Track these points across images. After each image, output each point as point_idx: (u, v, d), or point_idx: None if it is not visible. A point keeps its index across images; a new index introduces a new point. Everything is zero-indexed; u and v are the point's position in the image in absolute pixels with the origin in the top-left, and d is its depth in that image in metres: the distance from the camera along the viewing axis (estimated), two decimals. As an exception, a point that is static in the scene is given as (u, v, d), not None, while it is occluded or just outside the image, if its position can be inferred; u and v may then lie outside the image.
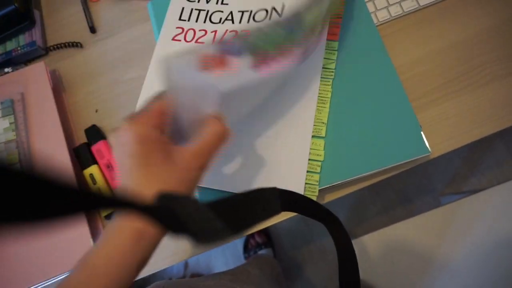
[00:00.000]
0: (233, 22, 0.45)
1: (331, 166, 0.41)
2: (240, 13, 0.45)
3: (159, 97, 0.31)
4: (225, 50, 0.28)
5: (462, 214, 0.84)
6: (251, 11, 0.45)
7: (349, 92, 0.44)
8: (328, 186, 0.41)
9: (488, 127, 0.46)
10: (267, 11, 0.44)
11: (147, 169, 0.27)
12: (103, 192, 0.22)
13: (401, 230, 0.86)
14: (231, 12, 0.45)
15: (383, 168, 0.42)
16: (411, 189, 1.25)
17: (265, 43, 0.30)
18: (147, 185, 0.27)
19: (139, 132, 0.28)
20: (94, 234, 0.44)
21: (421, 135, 0.42)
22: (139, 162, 0.27)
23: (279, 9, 0.44)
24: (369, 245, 0.85)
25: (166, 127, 0.30)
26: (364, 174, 0.41)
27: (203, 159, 0.29)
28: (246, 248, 1.20)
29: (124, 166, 0.28)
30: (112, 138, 0.30)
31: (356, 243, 0.85)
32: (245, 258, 1.20)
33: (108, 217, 0.47)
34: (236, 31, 0.44)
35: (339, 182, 0.41)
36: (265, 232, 1.23)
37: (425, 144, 0.42)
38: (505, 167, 1.21)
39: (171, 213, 0.24)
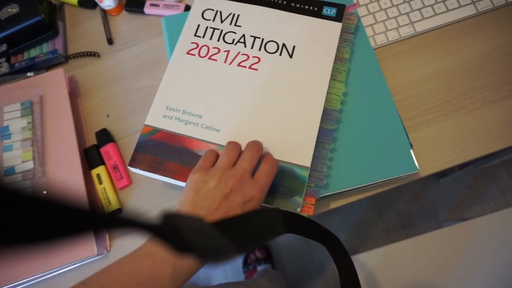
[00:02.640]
0: (245, 46, 0.48)
1: (326, 178, 0.43)
2: (253, 38, 0.48)
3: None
4: None
5: (468, 236, 0.85)
6: (262, 39, 0.48)
7: (344, 110, 0.46)
8: (321, 196, 0.43)
9: (479, 148, 0.48)
10: (277, 45, 0.47)
11: None
12: (109, 212, 0.22)
13: (402, 250, 0.86)
14: (243, 35, 0.48)
15: (372, 183, 0.44)
16: (414, 213, 1.25)
17: None
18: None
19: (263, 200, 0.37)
20: (97, 236, 0.47)
21: (411, 153, 0.44)
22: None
23: (289, 49, 0.47)
24: (368, 263, 0.85)
25: None
26: (351, 188, 0.43)
27: (264, 192, 0.36)
28: (245, 263, 1.21)
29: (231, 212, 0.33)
30: (233, 179, 0.36)
31: (355, 260, 0.86)
32: (244, 272, 1.20)
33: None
34: (248, 55, 0.47)
35: (326, 195, 0.43)
36: (265, 247, 1.23)
37: (414, 162, 0.44)
38: (508, 196, 1.21)
39: (175, 232, 0.25)
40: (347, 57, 0.47)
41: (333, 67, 0.46)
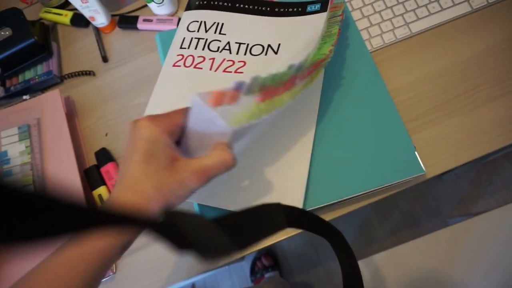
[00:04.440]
0: (230, 52, 0.48)
1: (327, 185, 0.43)
2: (238, 44, 0.48)
3: (180, 111, 0.32)
4: (237, 87, 0.31)
5: (474, 233, 0.84)
6: (247, 44, 0.48)
7: (345, 115, 0.46)
8: (325, 204, 0.42)
9: (483, 147, 0.48)
10: (263, 47, 0.47)
11: (147, 167, 0.28)
12: (108, 209, 0.23)
13: (409, 250, 0.86)
14: (228, 43, 0.48)
15: (378, 188, 0.43)
16: (418, 212, 1.24)
17: (272, 81, 0.33)
18: (142, 181, 0.28)
19: (152, 131, 0.29)
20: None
21: (415, 155, 0.43)
22: (142, 159, 0.28)
23: (274, 47, 0.47)
24: (376, 266, 0.84)
25: (179, 137, 0.32)
26: (359, 194, 0.43)
27: (201, 179, 0.30)
28: (253, 271, 1.20)
29: (128, 157, 0.29)
30: (129, 125, 0.31)
31: (362, 264, 0.85)
32: (252, 281, 1.19)
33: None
34: (233, 61, 0.47)
35: (334, 202, 0.42)
36: (272, 255, 1.22)
37: (419, 163, 0.43)
38: (513, 188, 1.21)
39: (176, 229, 0.25)
40: (335, 32, 0.43)
41: (320, 42, 0.42)
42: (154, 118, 0.30)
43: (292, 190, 0.41)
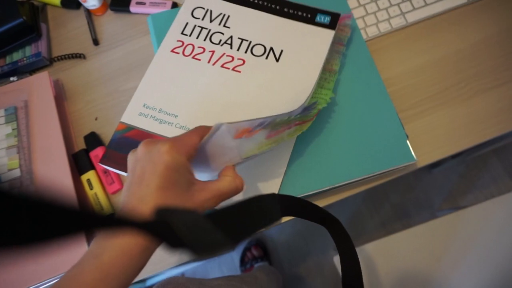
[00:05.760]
0: (231, 47, 0.47)
1: (318, 172, 0.43)
2: (240, 40, 0.47)
3: (197, 133, 0.33)
4: (260, 125, 0.34)
5: (462, 225, 0.85)
6: (250, 42, 0.47)
7: (338, 103, 0.45)
8: (316, 191, 0.42)
9: (474, 137, 0.48)
10: (265, 48, 0.46)
11: (166, 193, 0.29)
12: (99, 211, 0.21)
13: (399, 241, 0.87)
14: (231, 37, 0.47)
15: (369, 175, 0.43)
16: (408, 204, 1.26)
17: (284, 123, 0.36)
18: (158, 205, 0.28)
19: (175, 159, 0.29)
20: (89, 237, 0.46)
21: (407, 143, 0.43)
22: (162, 185, 0.28)
23: (277, 53, 0.46)
24: (366, 256, 0.85)
25: (194, 157, 0.33)
26: (352, 180, 0.43)
27: (216, 203, 0.32)
28: (242, 261, 1.20)
29: (146, 180, 0.29)
30: (143, 147, 0.31)
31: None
32: (242, 271, 1.19)
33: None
34: (232, 57, 0.46)
35: (325, 189, 0.42)
36: (262, 245, 1.23)
37: (410, 152, 0.43)
38: (500, 184, 1.23)
39: (168, 227, 0.24)
40: (336, 68, 0.46)
41: (321, 77, 0.44)
42: (175, 143, 0.30)
43: (271, 179, 0.41)
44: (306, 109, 0.40)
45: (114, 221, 0.22)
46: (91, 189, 0.49)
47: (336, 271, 0.98)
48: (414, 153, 0.43)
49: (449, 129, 0.48)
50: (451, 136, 0.48)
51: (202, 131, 0.33)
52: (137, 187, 0.29)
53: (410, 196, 1.27)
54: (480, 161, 1.25)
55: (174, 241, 0.25)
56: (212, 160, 0.34)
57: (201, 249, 0.25)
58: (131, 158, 0.32)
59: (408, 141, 0.44)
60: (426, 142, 0.48)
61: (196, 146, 0.32)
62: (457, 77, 0.51)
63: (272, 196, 0.33)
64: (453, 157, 1.14)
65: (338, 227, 0.37)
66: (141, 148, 0.31)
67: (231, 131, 0.31)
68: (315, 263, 1.22)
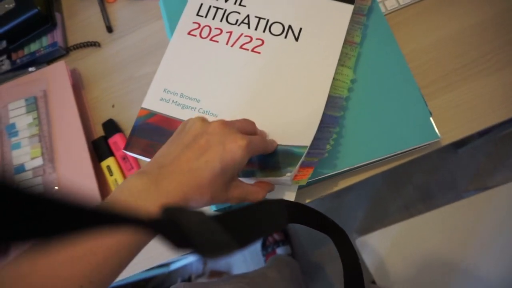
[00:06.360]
0: (249, 27, 0.45)
1: (341, 152, 0.41)
2: (257, 19, 0.45)
3: (271, 145, 0.37)
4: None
5: (491, 206, 0.81)
6: (267, 20, 0.45)
7: (359, 80, 0.44)
8: (339, 171, 0.41)
9: (501, 113, 0.45)
10: (283, 26, 0.44)
11: (217, 178, 0.31)
12: (105, 209, 0.21)
13: (420, 224, 0.84)
14: (247, 16, 0.46)
15: (392, 155, 0.42)
16: (433, 186, 1.22)
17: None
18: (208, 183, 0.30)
19: (243, 159, 0.32)
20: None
21: (431, 120, 0.42)
22: (219, 172, 0.30)
23: (296, 31, 0.44)
24: (384, 240, 0.83)
25: None
26: (374, 160, 0.41)
27: (239, 201, 0.34)
28: (264, 245, 1.21)
29: (208, 156, 0.30)
30: (220, 124, 0.32)
31: (371, 237, 0.84)
32: (263, 255, 1.20)
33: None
34: (251, 37, 0.45)
35: (348, 168, 0.41)
36: (283, 229, 1.23)
37: (434, 129, 0.41)
38: (531, 161, 1.17)
39: (175, 227, 0.24)
40: (358, 40, 0.44)
41: (342, 52, 0.43)
42: (250, 144, 0.32)
43: (302, 132, 0.39)
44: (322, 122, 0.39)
45: (122, 218, 0.22)
46: (111, 175, 0.50)
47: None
48: (438, 130, 0.41)
49: (475, 104, 0.46)
50: (477, 112, 0.46)
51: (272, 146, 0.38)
52: (191, 153, 0.31)
53: (434, 177, 1.23)
54: (509, 139, 1.19)
55: (181, 241, 0.24)
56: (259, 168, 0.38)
57: (208, 250, 0.25)
58: (196, 122, 0.33)
59: (431, 118, 0.42)
60: (450, 119, 0.46)
61: (260, 153, 0.35)
62: (482, 49, 0.48)
63: (279, 202, 0.34)
64: (480, 135, 1.09)
65: (343, 237, 0.36)
66: (217, 125, 0.32)
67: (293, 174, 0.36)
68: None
